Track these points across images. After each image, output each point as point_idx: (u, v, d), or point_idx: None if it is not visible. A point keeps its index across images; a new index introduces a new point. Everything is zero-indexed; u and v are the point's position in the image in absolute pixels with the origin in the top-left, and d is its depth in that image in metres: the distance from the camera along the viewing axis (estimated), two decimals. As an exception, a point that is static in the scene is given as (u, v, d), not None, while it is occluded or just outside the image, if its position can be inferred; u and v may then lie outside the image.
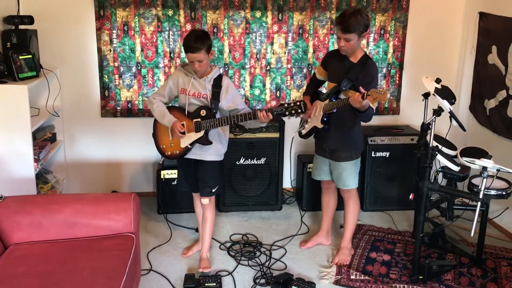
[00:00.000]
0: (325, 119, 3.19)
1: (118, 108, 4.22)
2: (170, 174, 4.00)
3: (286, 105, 2.86)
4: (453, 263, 3.29)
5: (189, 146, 3.14)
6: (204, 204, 3.24)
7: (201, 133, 3.10)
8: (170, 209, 4.04)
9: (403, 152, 4.14)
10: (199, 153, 3.18)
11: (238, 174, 4.08)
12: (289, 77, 4.36)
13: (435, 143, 3.26)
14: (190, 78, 3.11)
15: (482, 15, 4.11)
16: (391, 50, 4.40)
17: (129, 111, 4.24)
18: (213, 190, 3.25)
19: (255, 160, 4.08)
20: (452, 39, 4.47)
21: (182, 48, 3.04)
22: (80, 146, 4.27)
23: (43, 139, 3.89)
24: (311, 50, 4.31)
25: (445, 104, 2.77)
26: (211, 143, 3.12)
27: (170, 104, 3.26)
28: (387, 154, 4.12)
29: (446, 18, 4.41)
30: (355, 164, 3.26)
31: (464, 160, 3.04)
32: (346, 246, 3.46)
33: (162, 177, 4.02)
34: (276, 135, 4.06)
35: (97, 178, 4.36)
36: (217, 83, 3.11)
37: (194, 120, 3.10)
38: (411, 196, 3.73)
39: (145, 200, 4.31)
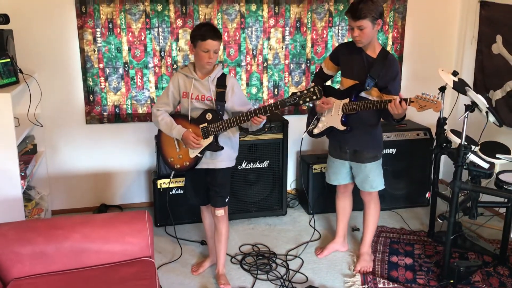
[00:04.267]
0: (343, 119, 2.98)
1: (105, 113, 3.86)
2: (168, 183, 3.69)
3: (299, 93, 2.60)
4: (479, 263, 3.16)
5: (199, 155, 2.85)
6: (218, 216, 2.96)
7: (210, 139, 2.82)
8: (169, 221, 3.72)
9: (410, 148, 3.99)
10: (210, 162, 2.90)
11: (240, 179, 3.82)
12: (287, 73, 4.11)
13: (456, 139, 3.11)
14: (191, 79, 2.82)
15: (483, 4, 4.00)
16: (390, 42, 4.24)
17: (117, 116, 3.88)
18: (226, 200, 2.98)
19: (258, 164, 3.83)
20: (450, 29, 4.36)
21: (195, 37, 2.70)
22: (64, 157, 3.88)
23: (24, 152, 3.49)
24: (309, 44, 4.08)
25: (482, 100, 2.61)
26: (222, 148, 2.85)
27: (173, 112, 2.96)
28: (394, 150, 3.96)
29: (445, 8, 4.30)
30: (380, 163, 3.07)
31: (502, 157, 2.90)
32: (366, 251, 3.27)
33: (159, 187, 3.70)
34: (280, 135, 3.81)
35: (84, 191, 3.98)
36: (221, 83, 2.83)
37: (201, 125, 2.81)
38: (427, 195, 3.60)
39: (139, 212, 3.98)
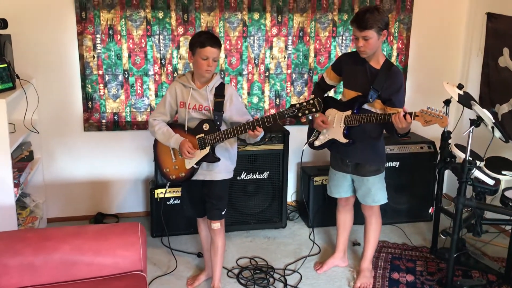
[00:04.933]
0: (345, 132, 2.90)
1: (103, 121, 3.80)
2: (164, 193, 3.61)
3: (298, 105, 2.51)
4: (483, 282, 3.07)
5: (195, 166, 2.78)
6: (215, 229, 2.88)
7: (207, 150, 2.74)
8: (165, 232, 3.63)
9: (413, 162, 3.91)
10: (207, 173, 2.82)
11: (239, 190, 3.74)
12: (289, 83, 4.05)
13: (460, 154, 3.03)
14: (189, 89, 2.75)
15: (490, 16, 3.93)
16: (395, 53, 4.17)
17: (116, 124, 3.82)
18: (223, 213, 2.90)
19: (257, 175, 3.75)
20: (456, 41, 4.29)
21: (195, 44, 2.64)
22: (61, 165, 3.82)
23: (20, 158, 3.43)
24: (312, 54, 4.02)
25: (488, 115, 2.53)
26: (219, 159, 2.77)
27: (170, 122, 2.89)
28: (397, 164, 3.87)
29: (450, 20, 4.23)
30: (382, 177, 2.99)
31: (508, 173, 2.82)
32: (367, 267, 3.18)
33: (156, 196, 3.63)
34: (280, 146, 3.74)
35: (80, 199, 3.91)
36: (219, 93, 2.77)
37: (197, 136, 2.74)
38: (430, 210, 3.52)
39: (136, 221, 3.89)
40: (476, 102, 2.99)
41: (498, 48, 3.84)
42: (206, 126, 2.73)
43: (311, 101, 2.49)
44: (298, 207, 4.21)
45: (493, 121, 2.54)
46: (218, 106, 2.74)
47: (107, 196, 3.96)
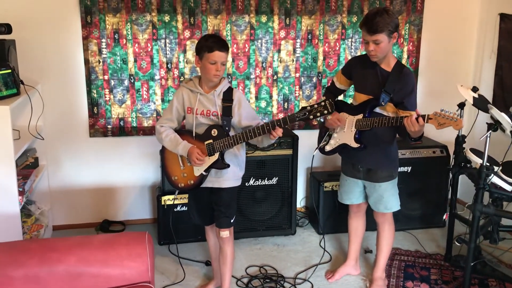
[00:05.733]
0: (357, 136, 2.82)
1: (109, 126, 3.74)
2: (173, 200, 3.55)
3: (309, 107, 2.44)
4: (500, 291, 2.97)
5: (204, 173, 2.70)
6: (224, 238, 2.81)
7: (216, 156, 2.67)
8: (173, 240, 3.55)
9: (425, 166, 3.81)
10: (215, 180, 2.75)
11: (248, 197, 3.66)
12: (297, 87, 3.97)
13: (476, 159, 2.93)
14: (196, 94, 2.68)
15: (503, 17, 3.84)
16: (405, 55, 4.09)
17: (122, 130, 3.76)
18: (232, 221, 2.82)
19: (266, 180, 3.67)
20: (468, 42, 4.20)
21: (202, 48, 2.57)
22: (66, 171, 3.76)
23: (25, 165, 3.37)
24: (321, 57, 3.94)
25: (507, 119, 2.44)
26: (228, 166, 2.70)
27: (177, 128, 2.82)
28: (409, 168, 3.78)
29: (462, 21, 4.14)
30: (395, 183, 2.90)
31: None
32: (380, 276, 3.09)
33: (163, 203, 3.56)
34: (289, 151, 3.66)
35: (86, 206, 3.85)
36: (227, 97, 2.69)
37: (206, 142, 2.67)
38: (445, 217, 3.43)
39: (142, 228, 3.85)
40: (493, 106, 2.90)
41: (512, 50, 3.75)
42: (214, 132, 2.66)
43: (323, 103, 2.42)
44: (307, 213, 4.13)
45: (512, 125, 2.45)
46: (227, 111, 2.67)
47: (113, 203, 3.90)
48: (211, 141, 2.66)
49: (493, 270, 3.20)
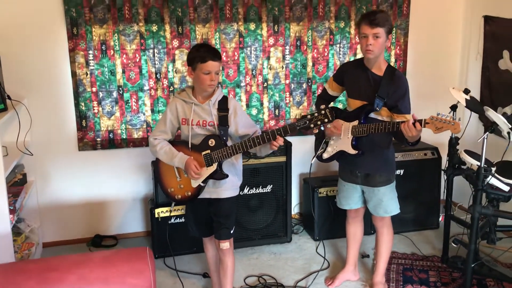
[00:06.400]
0: (354, 142, 2.81)
1: (98, 139, 3.66)
2: (166, 212, 3.49)
3: (309, 116, 2.43)
4: (500, 291, 2.99)
5: (202, 184, 2.66)
6: (224, 249, 2.76)
7: (214, 167, 2.63)
8: (168, 252, 3.49)
9: (418, 169, 3.84)
10: (213, 191, 2.71)
11: (242, 206, 3.62)
12: (288, 93, 3.96)
13: (472, 160, 2.95)
14: (190, 105, 2.64)
15: (487, 19, 3.90)
16: (393, 59, 4.11)
17: (111, 142, 3.69)
18: (232, 231, 2.78)
19: (260, 189, 3.64)
20: (453, 45, 4.25)
21: (194, 59, 2.53)
22: (55, 186, 3.66)
23: (13, 182, 3.28)
24: (310, 63, 3.94)
25: (503, 120, 2.46)
26: (227, 176, 2.67)
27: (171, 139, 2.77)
28: (402, 171, 3.79)
29: (447, 24, 4.19)
30: (393, 186, 2.91)
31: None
32: (380, 281, 3.09)
33: (157, 216, 3.49)
34: (283, 158, 3.64)
35: (76, 221, 3.76)
36: (222, 106, 2.66)
37: (203, 152, 2.62)
38: (441, 218, 3.44)
39: (135, 242, 3.79)
40: (490, 108, 2.93)
41: (497, 51, 3.80)
42: (212, 142, 2.62)
43: (323, 112, 2.40)
44: (301, 220, 4.11)
45: (510, 126, 2.48)
46: (223, 120, 2.64)
47: (104, 217, 3.81)
48: (208, 151, 2.62)
49: (490, 270, 3.21)
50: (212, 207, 2.76)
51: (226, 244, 2.75)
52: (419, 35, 4.12)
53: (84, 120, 3.60)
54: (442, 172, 3.32)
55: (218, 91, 2.68)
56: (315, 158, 3.01)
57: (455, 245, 3.28)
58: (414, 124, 2.51)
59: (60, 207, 3.70)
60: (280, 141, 2.48)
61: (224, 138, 2.63)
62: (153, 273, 2.23)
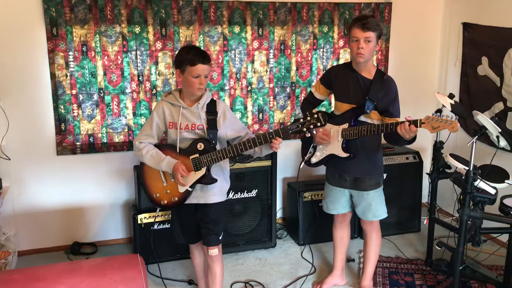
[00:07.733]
0: (344, 145, 2.81)
1: (78, 143, 3.54)
2: (150, 218, 3.40)
3: (302, 120, 2.41)
4: (485, 292, 3.04)
5: (189, 189, 2.60)
6: (212, 256, 2.70)
7: (203, 171, 2.58)
8: (151, 259, 3.40)
9: (399, 173, 3.87)
10: (201, 196, 2.65)
11: (227, 211, 3.56)
12: (271, 97, 3.94)
13: (458, 164, 3.00)
14: (178, 108, 2.59)
15: (466, 26, 3.98)
16: (374, 64, 4.14)
17: (91, 146, 3.58)
18: (220, 237, 2.73)
19: (245, 193, 3.60)
20: (432, 51, 4.32)
21: (183, 62, 2.48)
22: (32, 192, 3.52)
23: (-12, 188, 3.14)
24: (294, 67, 3.93)
25: (493, 124, 2.50)
26: (216, 180, 2.62)
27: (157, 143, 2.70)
28: (384, 175, 3.80)
29: (426, 30, 4.26)
30: (382, 190, 2.92)
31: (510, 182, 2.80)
32: (367, 285, 3.09)
33: (140, 222, 3.40)
34: (268, 163, 3.61)
35: (54, 229, 3.62)
36: (211, 109, 2.62)
37: (191, 156, 2.57)
38: (425, 222, 3.47)
39: (116, 249, 3.68)
40: (466, 112, 2.98)
41: (476, 57, 3.89)
42: (200, 146, 2.57)
43: (315, 115, 2.39)
44: (285, 225, 4.08)
45: (499, 130, 2.52)
46: (212, 123, 2.59)
47: (83, 224, 3.69)
48: (197, 155, 2.56)
49: (473, 272, 3.27)
50: (199, 212, 2.70)
51: (215, 251, 2.69)
52: (399, 40, 4.17)
53: (63, 124, 3.48)
54: (427, 175, 3.35)
55: (206, 94, 2.63)
56: (303, 163, 2.98)
57: (439, 248, 3.32)
58: (410, 125, 2.51)
59: (37, 213, 3.56)
60: (279, 141, 2.46)
61: (214, 142, 2.58)
62: (145, 280, 2.17)
